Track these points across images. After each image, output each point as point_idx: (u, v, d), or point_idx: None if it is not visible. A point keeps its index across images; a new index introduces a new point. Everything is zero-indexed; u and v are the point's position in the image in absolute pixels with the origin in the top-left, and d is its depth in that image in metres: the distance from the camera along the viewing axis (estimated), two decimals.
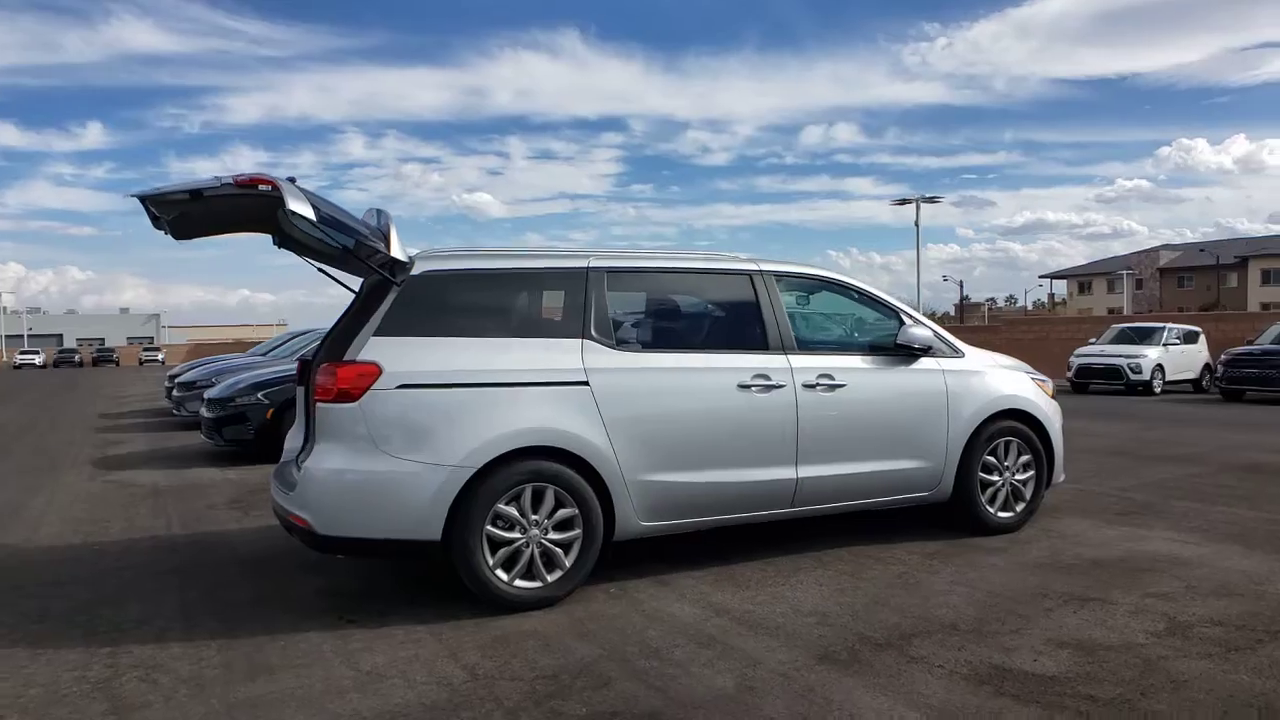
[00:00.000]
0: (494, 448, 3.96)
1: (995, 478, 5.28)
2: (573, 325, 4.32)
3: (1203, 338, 18.95)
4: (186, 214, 4.17)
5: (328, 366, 3.97)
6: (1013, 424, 5.32)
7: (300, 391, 5.20)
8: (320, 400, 3.95)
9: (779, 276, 4.90)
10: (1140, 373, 17.18)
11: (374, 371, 3.90)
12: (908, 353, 5.05)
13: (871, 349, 5.03)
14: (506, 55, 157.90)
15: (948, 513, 5.28)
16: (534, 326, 4.33)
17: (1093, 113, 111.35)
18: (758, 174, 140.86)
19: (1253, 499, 6.29)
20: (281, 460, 5.09)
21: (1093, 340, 19.68)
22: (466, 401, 4.00)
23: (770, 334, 4.73)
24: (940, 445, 5.07)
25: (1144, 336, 18.46)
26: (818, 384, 4.71)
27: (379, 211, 4.29)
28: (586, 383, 4.20)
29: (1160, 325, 19.09)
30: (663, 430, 4.33)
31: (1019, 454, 5.36)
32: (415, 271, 4.13)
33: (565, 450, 4.09)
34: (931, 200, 28.44)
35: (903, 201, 28.51)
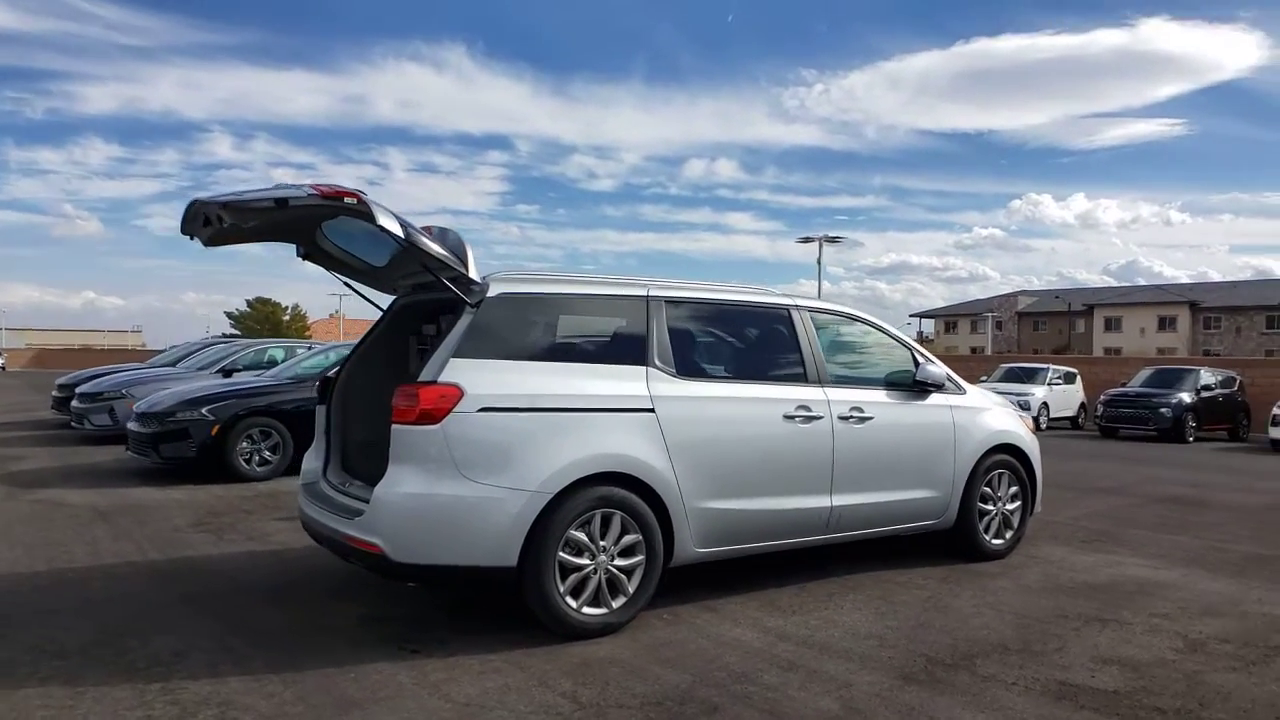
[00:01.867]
0: (571, 473, 3.96)
1: (990, 507, 5.66)
2: (637, 352, 4.38)
3: (1079, 378, 20.65)
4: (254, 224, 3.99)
5: (408, 388, 3.87)
6: (1005, 457, 5.72)
7: (321, 411, 5.02)
8: (399, 422, 3.84)
9: (813, 312, 5.13)
10: (1030, 409, 18.55)
11: (456, 394, 3.83)
12: (922, 389, 5.37)
13: (890, 384, 5.32)
14: (389, 65, 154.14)
15: (949, 540, 5.61)
16: (601, 352, 4.37)
17: (953, 164, 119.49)
18: (643, 202, 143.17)
19: (1188, 528, 6.98)
20: (303, 482, 4.89)
21: (983, 378, 21.09)
22: (544, 426, 3.99)
23: (809, 367, 4.93)
24: (949, 476, 5.40)
25: (1030, 376, 19.95)
26: (850, 416, 4.95)
27: (444, 230, 4.23)
28: (653, 410, 4.27)
29: (1044, 366, 20.70)
30: (719, 458, 4.44)
31: (1009, 485, 5.77)
32: (491, 293, 4.09)
33: (633, 476, 4.14)
34: (834, 240, 29.89)
35: (806, 239, 29.81)
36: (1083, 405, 19.99)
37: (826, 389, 4.94)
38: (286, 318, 71.83)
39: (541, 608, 3.94)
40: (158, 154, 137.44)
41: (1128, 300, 66.31)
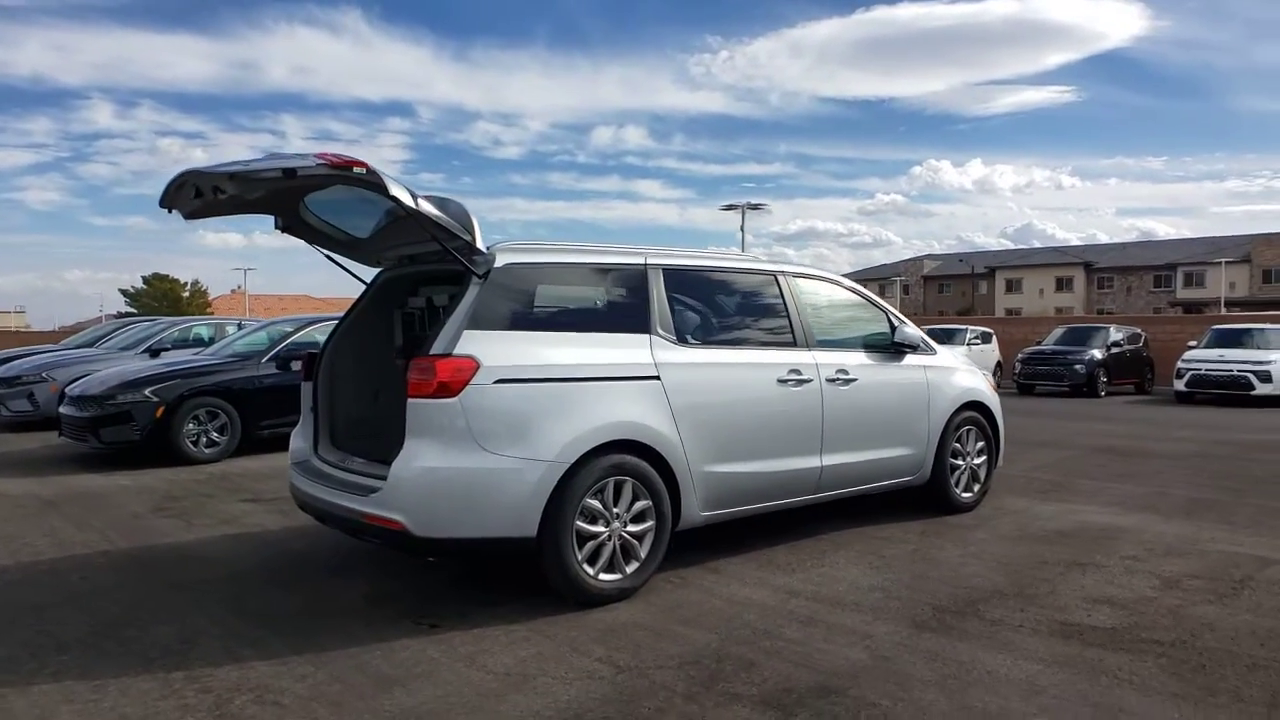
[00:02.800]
0: (586, 441, 3.97)
1: (960, 462, 5.93)
2: (640, 320, 4.40)
3: (995, 338, 21.61)
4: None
5: (423, 361, 3.79)
6: (973, 414, 5.99)
7: (308, 388, 4.88)
8: (416, 396, 3.77)
9: (796, 276, 5.23)
10: None
11: (472, 365, 3.78)
12: (898, 350, 5.56)
13: (870, 346, 5.48)
14: (281, 29, 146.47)
15: (923, 494, 5.85)
16: (605, 321, 4.36)
17: (856, 131, 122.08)
18: (550, 170, 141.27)
19: (1130, 476, 7.47)
20: (294, 461, 4.75)
21: None
22: (558, 396, 3.98)
23: (796, 331, 5.05)
24: (924, 434, 5.63)
25: (950, 337, 20.72)
26: (836, 378, 5.09)
27: (445, 199, 4.13)
28: (658, 377, 4.30)
29: (963, 327, 21.57)
30: (720, 423, 4.52)
31: (976, 440, 6.05)
32: (498, 263, 4.03)
33: (643, 443, 4.18)
34: (755, 207, 30.34)
35: (730, 207, 30.11)
36: (999, 364, 20.95)
37: (814, 352, 5.07)
38: (186, 294, 68.48)
39: (560, 576, 3.96)
40: (29, 123, 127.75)
41: (1027, 263, 69.45)
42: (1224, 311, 42.91)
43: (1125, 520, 5.75)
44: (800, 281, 5.25)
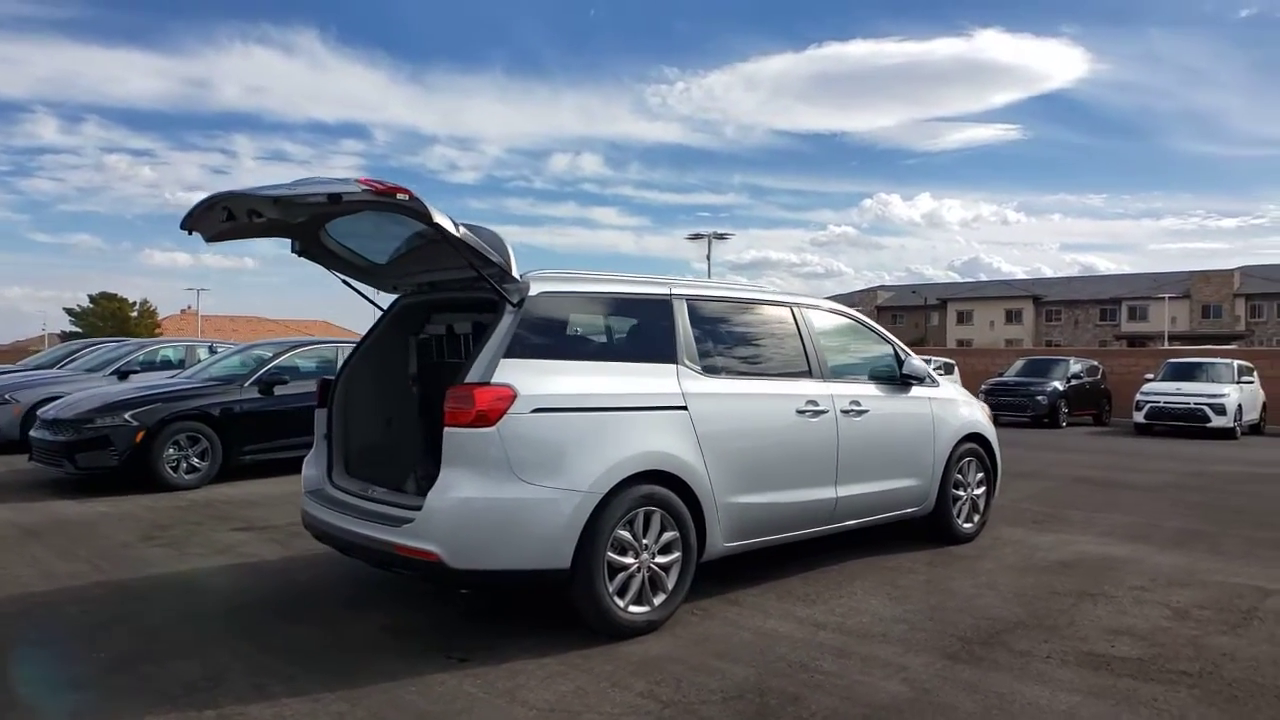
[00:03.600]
0: (620, 472, 3.96)
1: (961, 493, 6.03)
2: (666, 350, 4.41)
3: (956, 369, 22.04)
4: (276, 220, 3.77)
5: (461, 390, 3.74)
6: (973, 445, 6.10)
7: (322, 415, 4.78)
8: (454, 425, 3.72)
9: (809, 308, 5.31)
10: None
11: (509, 394, 3.75)
12: (904, 381, 5.65)
13: (878, 378, 5.56)
14: (235, 47, 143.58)
15: (927, 525, 5.92)
16: (634, 351, 4.36)
17: (809, 164, 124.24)
18: (507, 195, 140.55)
19: (1114, 507, 7.66)
20: (308, 489, 4.64)
21: None
22: (593, 426, 3.96)
23: (812, 363, 5.11)
24: (929, 465, 5.71)
25: None
26: (850, 410, 5.15)
27: (478, 227, 4.12)
28: (685, 407, 4.31)
29: (926, 358, 21.93)
30: (744, 453, 4.54)
31: (976, 471, 6.16)
32: (532, 291, 4.02)
33: (671, 474, 4.18)
34: (721, 237, 30.70)
35: (696, 236, 30.42)
36: None
37: (829, 384, 5.13)
38: (134, 314, 66.58)
39: (592, 608, 3.92)
40: None
41: (978, 295, 71.20)
42: (1167, 345, 44.43)
43: (1121, 551, 5.88)
44: (812, 313, 5.32)
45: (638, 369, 4.28)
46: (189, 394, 8.38)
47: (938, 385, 5.95)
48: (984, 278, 77.88)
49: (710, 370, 4.55)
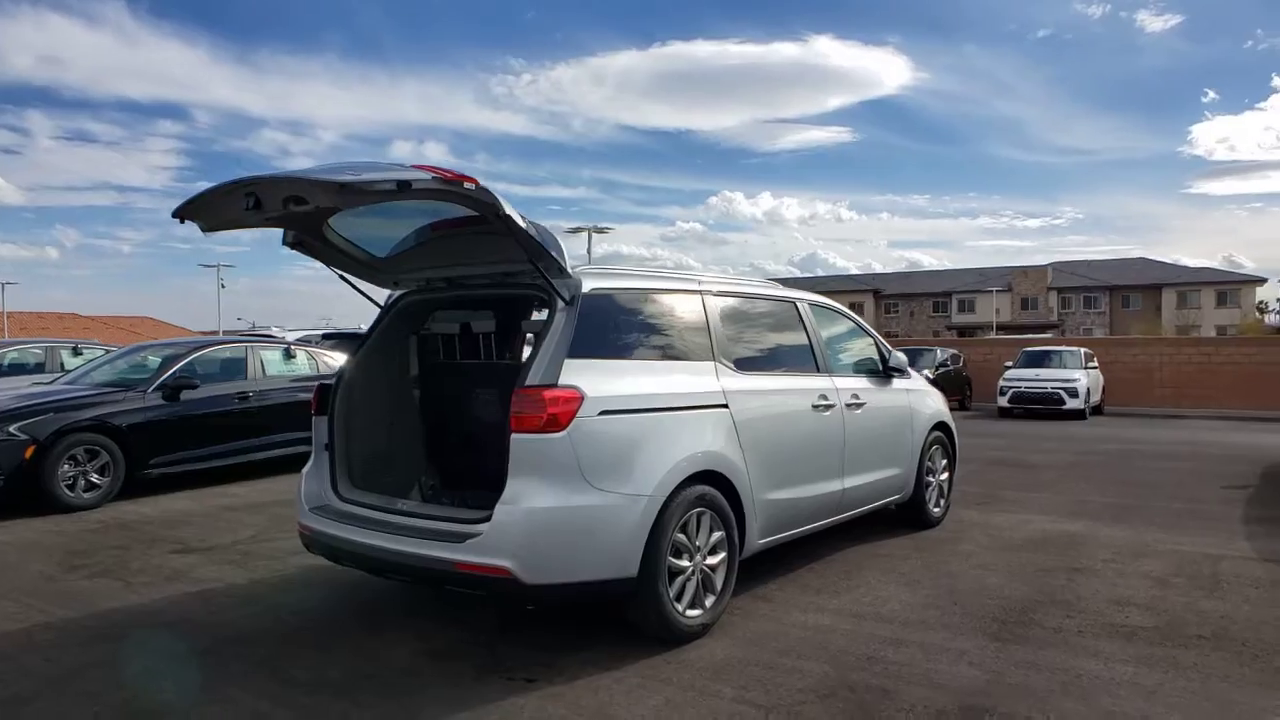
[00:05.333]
0: (679, 473, 3.86)
1: (931, 479, 6.30)
2: (703, 348, 4.34)
3: None
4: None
5: (530, 393, 3.51)
6: (939, 434, 6.38)
7: (322, 423, 4.38)
8: (523, 431, 3.48)
9: (810, 304, 5.37)
10: None
11: (578, 397, 3.56)
12: (887, 374, 5.83)
13: (868, 371, 5.71)
14: (25, 13, 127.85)
15: (902, 511, 6.14)
16: (675, 348, 4.25)
17: (657, 160, 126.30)
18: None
19: (1039, 486, 8.26)
20: (312, 506, 4.23)
21: None
22: (652, 427, 3.84)
23: (818, 358, 5.18)
24: (909, 454, 5.93)
25: None
26: (851, 403, 5.26)
27: (531, 222, 3.88)
28: (726, 405, 4.26)
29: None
30: (775, 449, 4.54)
31: (942, 458, 6.45)
32: (585, 288, 3.83)
33: (719, 473, 4.11)
34: (601, 230, 30.59)
35: (576, 230, 30.18)
36: None
37: (834, 378, 5.22)
38: None
39: (655, 615, 3.80)
40: None
41: (824, 289, 74.71)
42: (995, 334, 48.34)
43: (1074, 527, 6.33)
44: (812, 308, 5.38)
45: (681, 367, 4.19)
46: (84, 402, 7.44)
47: (910, 376, 6.18)
48: (821, 273, 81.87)
49: (741, 367, 4.51)
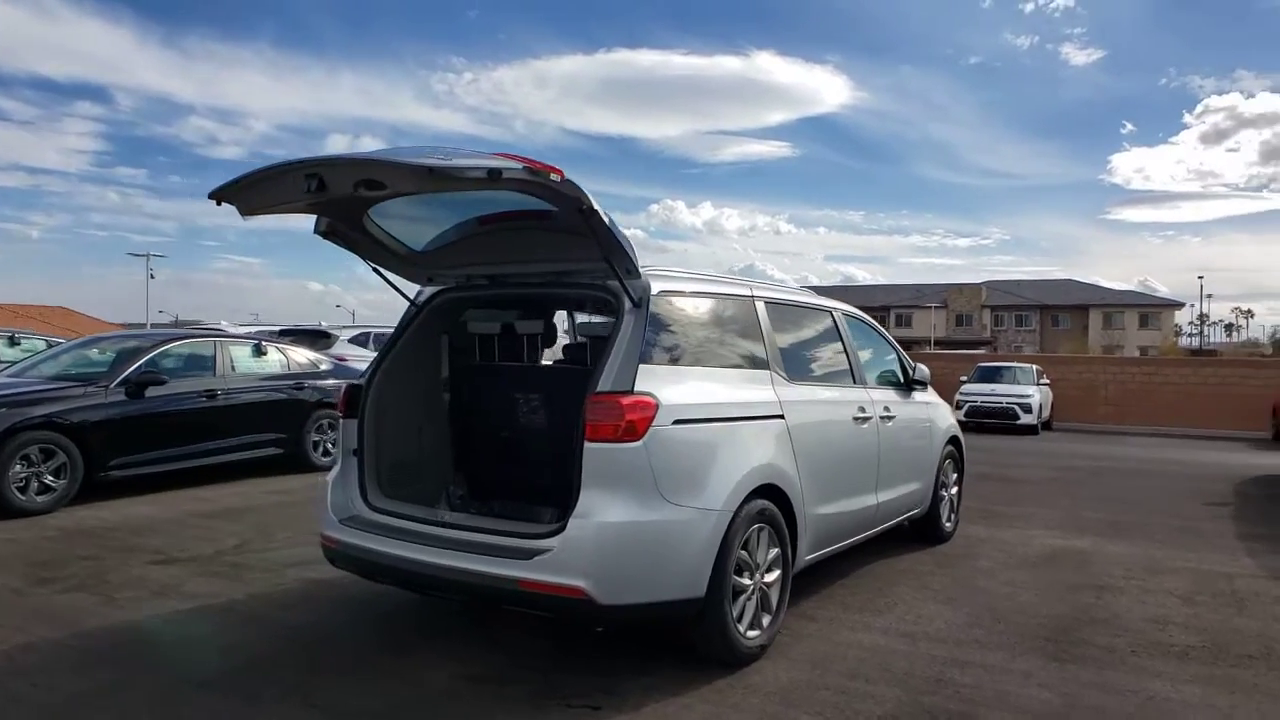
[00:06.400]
0: (745, 486, 3.68)
1: (944, 494, 6.24)
2: (758, 355, 4.17)
3: None
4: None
5: (606, 399, 3.27)
6: (952, 448, 6.34)
7: (351, 426, 4.07)
8: (598, 440, 3.25)
9: (844, 314, 5.26)
10: None
11: (654, 405, 3.35)
12: (909, 386, 5.75)
13: (894, 383, 5.62)
14: None
15: (918, 526, 6.06)
16: (734, 356, 4.07)
17: (600, 166, 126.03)
18: None
19: (1029, 500, 8.33)
20: (341, 517, 3.91)
21: None
22: (722, 438, 3.65)
23: (854, 369, 5.06)
24: (929, 467, 5.87)
25: None
26: (884, 416, 5.16)
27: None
28: (783, 416, 4.09)
29: None
30: (825, 462, 4.40)
31: (953, 472, 6.41)
32: (654, 291, 3.62)
33: (778, 486, 3.94)
34: None
35: None
36: None
37: (869, 390, 5.11)
38: None
39: (719, 636, 3.60)
40: None
41: None
42: (932, 349, 49.50)
43: (1081, 544, 6.36)
44: (846, 317, 5.27)
45: (741, 375, 4.01)
46: (38, 398, 6.87)
47: (928, 389, 6.12)
48: None
49: (792, 376, 4.35)
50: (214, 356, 8.25)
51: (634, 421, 3.28)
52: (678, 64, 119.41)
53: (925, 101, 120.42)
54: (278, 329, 13.49)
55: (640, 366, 3.41)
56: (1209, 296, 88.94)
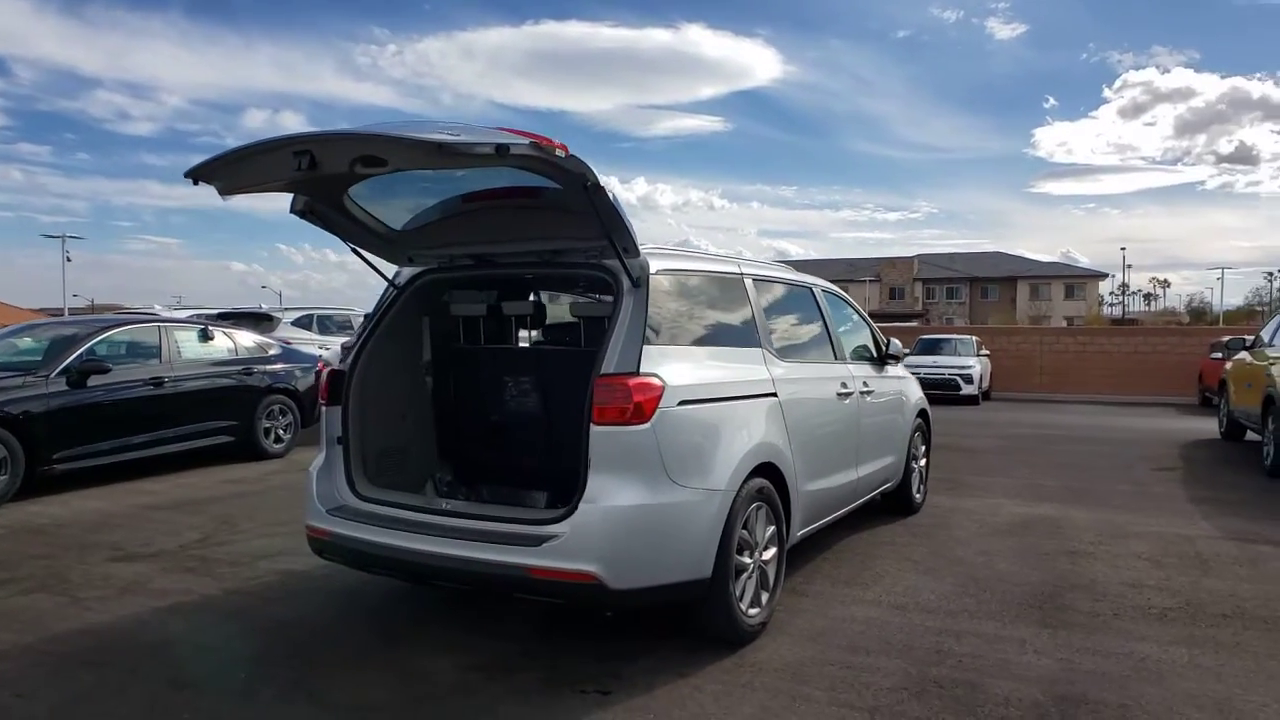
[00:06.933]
0: (746, 465, 3.67)
1: (915, 465, 6.35)
2: (750, 334, 4.15)
3: None
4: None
5: (613, 381, 3.20)
6: (920, 421, 6.44)
7: (335, 413, 3.92)
8: (605, 423, 3.18)
9: (823, 291, 5.27)
10: None
11: (660, 386, 3.30)
12: (882, 360, 5.81)
13: (869, 358, 5.67)
14: None
15: (888, 500, 6.14)
16: (728, 334, 4.03)
17: None
18: (194, 152, 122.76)
19: (990, 470, 8.56)
20: (329, 507, 3.77)
21: None
22: (721, 418, 3.63)
23: (835, 345, 5.09)
24: (902, 440, 5.96)
25: None
26: (863, 391, 5.20)
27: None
28: (775, 394, 4.08)
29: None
30: (813, 438, 4.42)
31: (922, 444, 6.52)
32: (653, 269, 3.55)
33: (774, 465, 3.94)
34: None
35: None
36: None
37: (849, 365, 5.14)
38: None
39: (723, 616, 3.59)
40: None
41: None
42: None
43: (1046, 510, 6.54)
44: (824, 294, 5.28)
45: (735, 354, 3.98)
46: None
47: (899, 363, 6.19)
48: None
49: (781, 354, 4.34)
50: (159, 342, 7.88)
51: (641, 403, 3.22)
52: (606, 36, 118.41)
53: (854, 75, 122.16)
54: (215, 312, 12.96)
55: (644, 347, 3.35)
56: (1129, 267, 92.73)
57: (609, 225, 3.31)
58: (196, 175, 3.17)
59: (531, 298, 4.25)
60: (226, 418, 8.30)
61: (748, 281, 4.28)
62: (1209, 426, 12.35)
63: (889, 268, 67.38)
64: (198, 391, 8.01)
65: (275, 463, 8.61)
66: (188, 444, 7.89)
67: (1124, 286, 70.87)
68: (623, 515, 3.18)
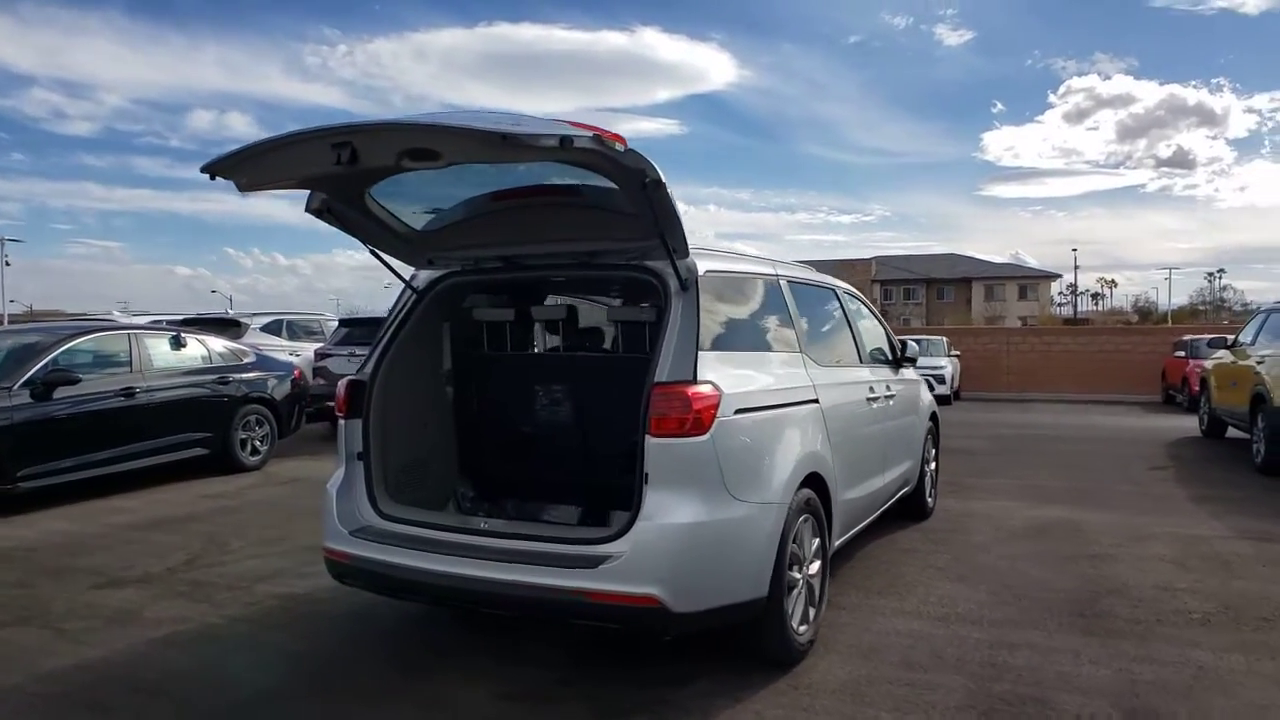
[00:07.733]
0: (798, 476, 3.51)
1: (927, 469, 6.25)
2: (790, 338, 3.98)
3: None
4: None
5: (673, 390, 3.00)
6: (930, 424, 6.35)
7: (355, 427, 3.65)
8: (663, 435, 2.97)
9: (845, 293, 5.13)
10: None
11: (717, 395, 3.11)
12: (898, 363, 5.70)
13: (888, 361, 5.54)
14: None
15: (906, 504, 6.02)
16: (769, 339, 3.85)
17: None
18: (135, 153, 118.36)
19: (988, 471, 8.53)
20: (352, 529, 3.50)
21: None
22: (775, 427, 3.46)
23: (860, 348, 4.95)
24: (918, 444, 5.86)
25: None
26: (887, 395, 5.08)
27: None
28: (817, 400, 3.92)
29: None
30: (850, 445, 4.28)
31: (932, 448, 6.42)
32: (701, 271, 3.36)
33: (819, 475, 3.77)
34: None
35: None
36: None
37: (872, 369, 5.01)
38: None
39: (777, 635, 3.42)
40: None
41: None
42: None
43: (1056, 513, 6.49)
44: (847, 295, 5.14)
45: (780, 359, 3.81)
46: None
47: (911, 366, 6.09)
48: None
49: (818, 359, 4.18)
50: (129, 351, 7.46)
51: (700, 413, 3.03)
52: (561, 39, 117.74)
53: (808, 80, 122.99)
54: (180, 318, 12.44)
55: (704, 354, 3.15)
56: (1078, 268, 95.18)
57: (665, 225, 3.11)
58: (215, 170, 2.89)
59: (566, 302, 4.02)
60: (202, 429, 7.90)
61: (783, 283, 4.12)
62: (1183, 424, 12.56)
63: (847, 270, 67.91)
64: (171, 402, 7.60)
65: (252, 476, 8.23)
66: (161, 457, 7.48)
67: (1073, 287, 72.53)
68: (683, 533, 2.98)
